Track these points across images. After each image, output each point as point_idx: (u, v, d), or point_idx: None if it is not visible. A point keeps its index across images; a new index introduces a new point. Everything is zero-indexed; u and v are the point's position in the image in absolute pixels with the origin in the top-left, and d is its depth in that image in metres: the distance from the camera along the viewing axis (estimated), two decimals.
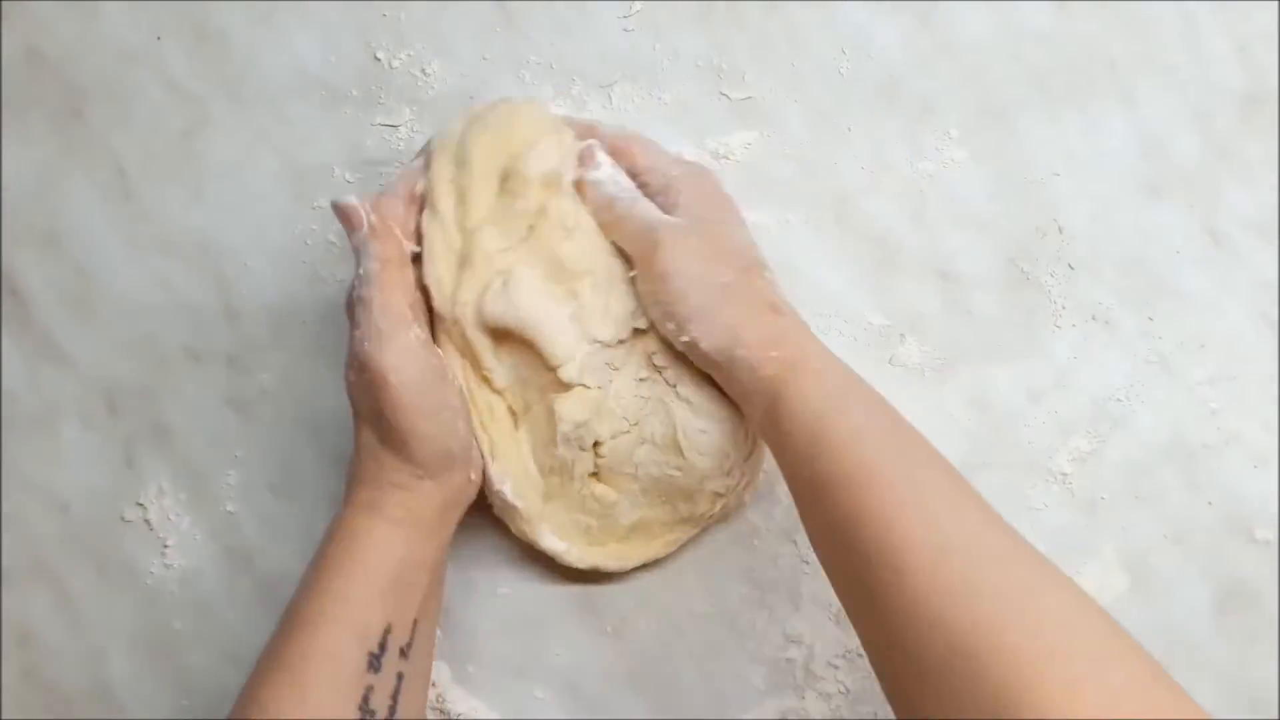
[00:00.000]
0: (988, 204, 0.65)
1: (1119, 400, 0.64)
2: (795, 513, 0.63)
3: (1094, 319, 0.65)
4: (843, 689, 0.62)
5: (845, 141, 0.66)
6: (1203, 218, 0.65)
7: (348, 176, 0.66)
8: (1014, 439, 0.64)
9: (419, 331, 0.56)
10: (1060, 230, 0.65)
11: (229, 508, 0.64)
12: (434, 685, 0.63)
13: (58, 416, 0.65)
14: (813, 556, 0.62)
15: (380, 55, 0.67)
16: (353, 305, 0.56)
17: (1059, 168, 0.65)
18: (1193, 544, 0.64)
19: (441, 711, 0.63)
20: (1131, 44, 0.66)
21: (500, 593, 0.64)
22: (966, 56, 0.66)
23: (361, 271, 0.55)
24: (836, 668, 0.62)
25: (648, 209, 0.58)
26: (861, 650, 0.62)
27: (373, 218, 0.56)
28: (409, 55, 0.66)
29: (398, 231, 0.57)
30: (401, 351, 0.54)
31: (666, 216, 0.58)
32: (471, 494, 0.58)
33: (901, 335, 0.65)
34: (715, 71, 0.66)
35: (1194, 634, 0.63)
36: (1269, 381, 0.64)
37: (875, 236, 0.65)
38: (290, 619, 0.53)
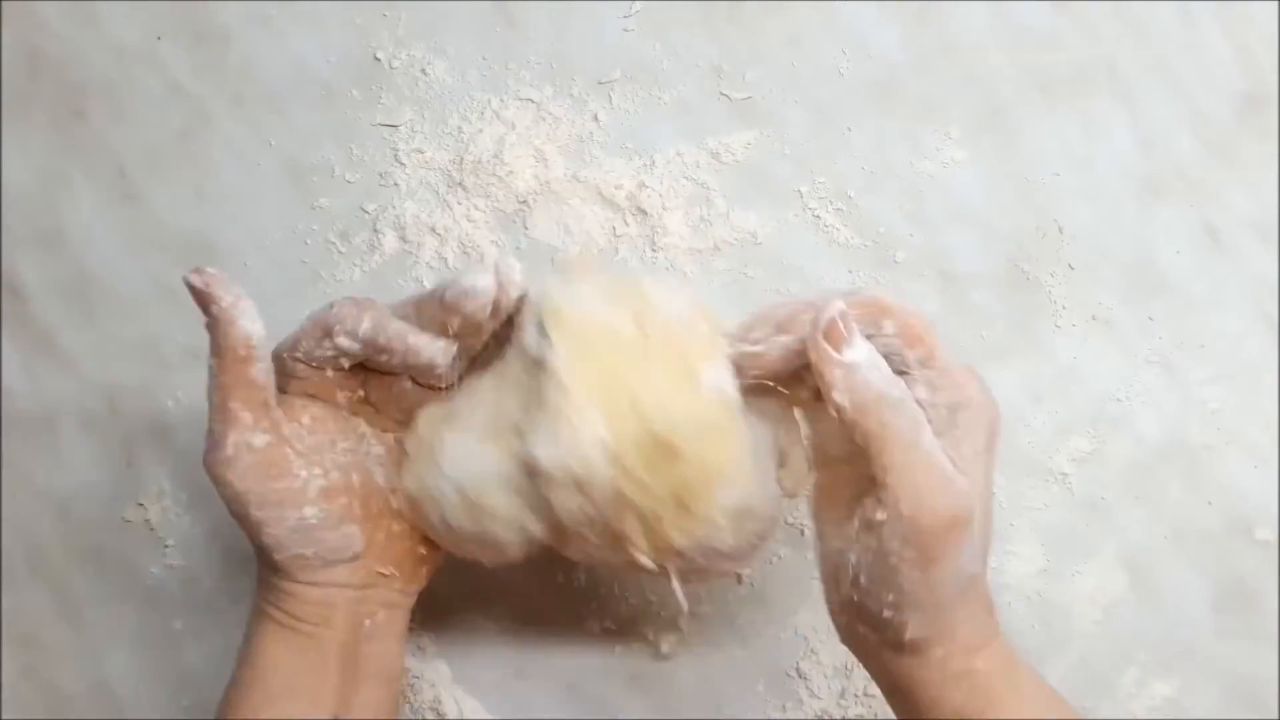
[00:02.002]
0: (988, 204, 0.65)
1: (1119, 400, 0.64)
2: (794, 515, 0.63)
3: (1094, 319, 0.65)
4: (843, 689, 0.62)
5: (845, 141, 0.66)
6: (1203, 218, 0.65)
7: (348, 176, 0.66)
8: (1014, 439, 0.64)
9: (254, 435, 0.50)
10: (1060, 230, 0.65)
11: None
12: (433, 685, 0.63)
13: (58, 416, 0.65)
14: (813, 556, 0.62)
15: (380, 55, 0.67)
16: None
17: (1059, 168, 0.65)
18: (1193, 544, 0.64)
19: (440, 712, 0.63)
20: (1131, 44, 0.66)
21: (500, 592, 0.63)
22: (966, 56, 0.66)
23: (207, 387, 0.50)
24: (836, 667, 0.63)
25: (928, 440, 0.45)
26: None
27: (225, 301, 0.50)
28: (409, 55, 0.66)
29: (246, 320, 0.50)
30: (228, 461, 0.50)
31: (957, 468, 0.45)
32: (401, 588, 0.54)
33: None
34: (715, 71, 0.66)
35: (1194, 634, 0.63)
36: (1269, 381, 0.64)
37: (875, 236, 0.65)
38: None
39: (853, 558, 0.47)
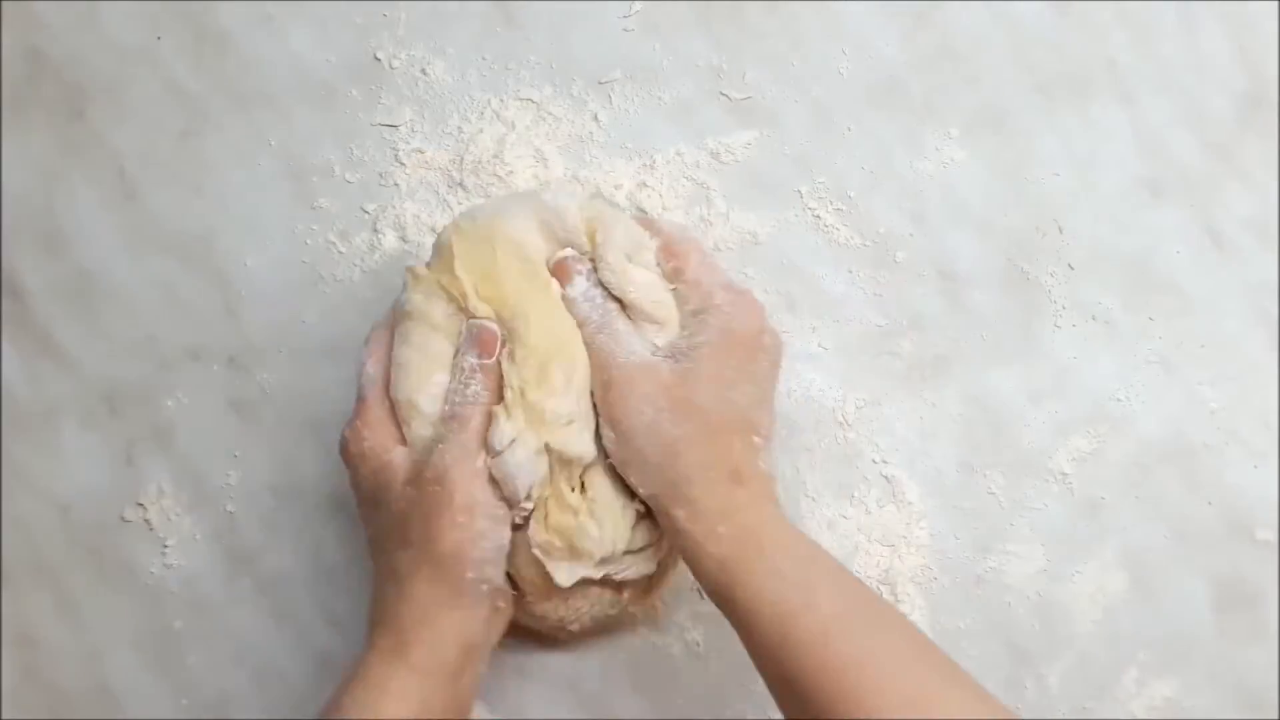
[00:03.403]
0: (988, 204, 0.65)
1: (1119, 400, 0.64)
2: (794, 522, 0.63)
3: (1094, 319, 0.65)
4: None
5: (845, 141, 0.66)
6: (1203, 218, 0.65)
7: (348, 176, 0.66)
8: (1014, 439, 0.64)
9: (487, 459, 0.55)
10: (1060, 230, 0.65)
11: (229, 508, 0.64)
12: None
13: (58, 416, 0.65)
14: None
15: (380, 55, 0.67)
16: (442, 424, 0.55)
17: (1059, 168, 0.65)
18: (1193, 544, 0.64)
19: None
20: (1131, 44, 0.66)
21: None
22: (966, 56, 0.66)
23: (469, 392, 0.55)
24: None
25: (612, 341, 0.56)
26: None
27: (503, 351, 0.56)
28: (409, 55, 0.66)
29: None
30: (479, 471, 0.54)
31: (632, 353, 0.55)
32: (498, 630, 0.57)
33: (901, 335, 0.65)
34: (715, 71, 0.66)
35: (1194, 634, 0.63)
36: (1269, 381, 0.64)
37: (875, 236, 0.65)
38: None
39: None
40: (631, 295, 0.56)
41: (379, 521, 0.56)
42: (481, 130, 0.66)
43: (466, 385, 0.55)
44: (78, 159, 0.67)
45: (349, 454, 0.57)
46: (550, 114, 0.66)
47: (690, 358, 0.55)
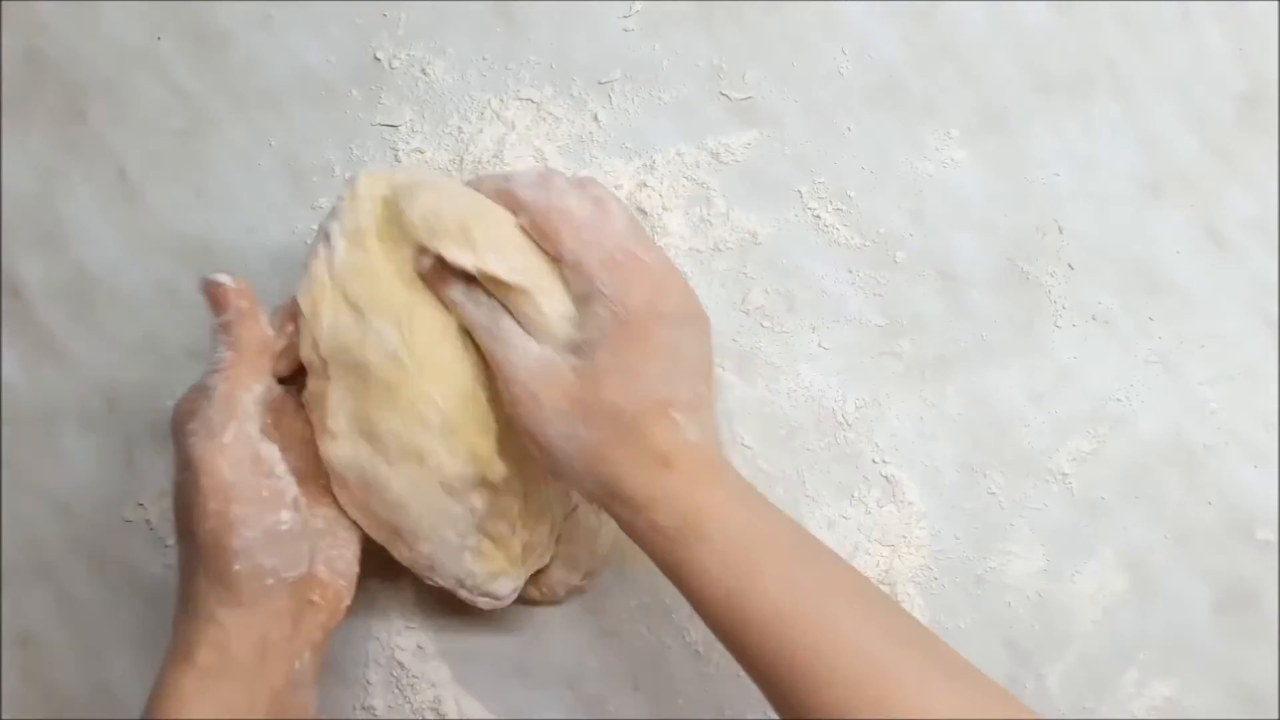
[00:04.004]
0: (988, 204, 0.65)
1: (1119, 400, 0.64)
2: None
3: (1094, 319, 0.65)
4: None
5: (845, 141, 0.66)
6: (1203, 218, 0.65)
7: (348, 176, 0.66)
8: (1014, 439, 0.64)
9: (251, 428, 0.51)
10: (1060, 230, 0.65)
11: None
12: (433, 685, 0.63)
13: (58, 416, 0.65)
14: None
15: (380, 55, 0.67)
16: (185, 407, 0.51)
17: (1059, 168, 0.65)
18: (1193, 544, 0.64)
19: (440, 712, 0.63)
20: (1131, 43, 0.66)
21: None
22: (966, 56, 0.66)
23: (214, 359, 0.51)
24: None
25: (505, 348, 0.52)
26: None
27: (243, 302, 0.52)
28: (409, 55, 0.66)
29: (264, 322, 0.53)
30: (224, 448, 0.50)
31: (530, 357, 0.52)
32: (319, 623, 0.53)
33: (901, 335, 0.65)
34: (715, 71, 0.66)
35: (1194, 634, 0.63)
36: (1269, 381, 0.64)
37: (875, 236, 0.65)
38: None
39: None
40: (505, 283, 0.52)
41: (173, 504, 0.52)
42: (481, 130, 0.66)
43: (213, 351, 0.51)
44: (78, 159, 0.67)
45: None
46: (550, 114, 0.66)
47: (586, 353, 0.51)
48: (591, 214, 0.53)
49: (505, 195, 0.54)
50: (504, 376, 0.52)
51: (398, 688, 0.63)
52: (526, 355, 0.52)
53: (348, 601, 0.55)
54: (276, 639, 0.51)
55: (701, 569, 0.50)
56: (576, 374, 0.51)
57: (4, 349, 0.66)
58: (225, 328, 0.52)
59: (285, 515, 0.51)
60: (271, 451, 0.52)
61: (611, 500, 0.52)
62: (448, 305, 0.54)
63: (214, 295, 0.52)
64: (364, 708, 0.62)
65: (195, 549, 0.50)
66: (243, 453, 0.50)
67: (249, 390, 0.52)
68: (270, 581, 0.50)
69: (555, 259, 0.53)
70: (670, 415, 0.51)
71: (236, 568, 0.49)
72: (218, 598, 0.50)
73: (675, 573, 0.51)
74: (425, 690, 0.63)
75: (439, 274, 0.54)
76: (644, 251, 0.53)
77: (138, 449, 0.65)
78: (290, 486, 0.52)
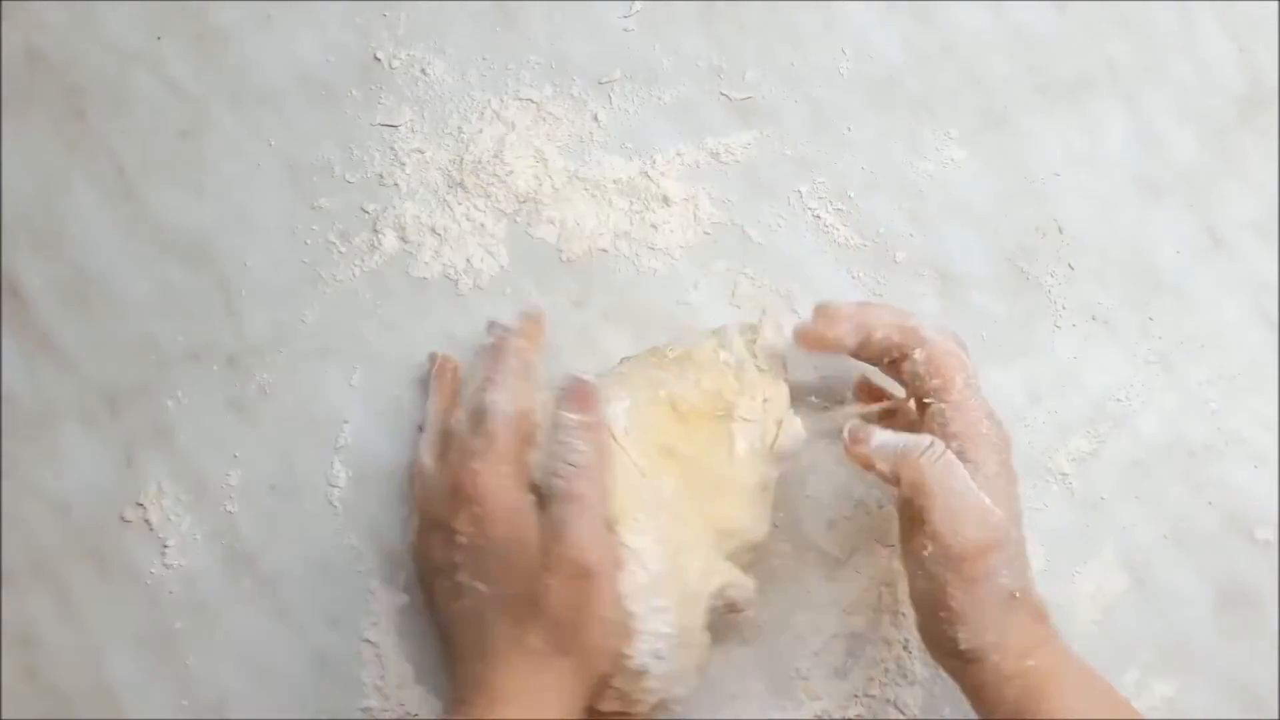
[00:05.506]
0: (988, 204, 0.65)
1: (1119, 400, 0.64)
2: (794, 522, 0.63)
3: (1094, 319, 0.65)
4: (843, 689, 0.62)
5: (845, 141, 0.66)
6: (1202, 218, 0.65)
7: (348, 176, 0.66)
8: (1014, 439, 0.64)
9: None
10: (1060, 230, 0.65)
11: (229, 508, 0.64)
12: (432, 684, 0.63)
13: (58, 416, 0.65)
14: (816, 554, 0.62)
15: (380, 55, 0.67)
16: (549, 494, 0.52)
17: (1059, 168, 0.65)
18: (1193, 544, 0.64)
19: (435, 713, 0.63)
20: (1131, 44, 0.66)
21: None
22: (966, 56, 0.66)
23: (576, 459, 0.51)
24: (836, 667, 0.62)
25: (964, 475, 0.53)
26: (861, 652, 0.62)
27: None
28: (409, 55, 0.66)
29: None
30: (607, 548, 0.52)
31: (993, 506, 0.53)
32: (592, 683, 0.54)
33: None
34: (715, 71, 0.66)
35: (1194, 634, 0.63)
36: (1269, 381, 0.64)
37: (875, 236, 0.65)
38: None
39: (919, 585, 0.54)
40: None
41: (495, 576, 0.52)
42: (481, 130, 0.66)
43: (569, 448, 0.51)
44: (78, 159, 0.67)
45: (475, 488, 0.52)
46: (550, 114, 0.66)
47: (994, 499, 0.53)
48: (973, 371, 0.57)
49: (911, 333, 0.56)
50: (985, 515, 0.53)
51: (396, 687, 0.63)
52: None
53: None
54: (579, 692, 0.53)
55: (1065, 710, 0.52)
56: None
57: (4, 349, 0.66)
58: (584, 429, 0.52)
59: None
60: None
61: (994, 650, 0.53)
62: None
63: (582, 396, 0.53)
64: (362, 709, 0.62)
65: (568, 646, 0.51)
66: (610, 546, 0.52)
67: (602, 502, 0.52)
68: (605, 652, 0.53)
69: (938, 394, 0.55)
70: (1030, 566, 0.55)
71: (603, 645, 0.52)
72: (569, 691, 0.52)
73: (1026, 707, 0.52)
74: (419, 690, 0.63)
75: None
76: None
77: (138, 449, 0.65)
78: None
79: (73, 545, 0.65)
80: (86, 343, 0.66)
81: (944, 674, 0.60)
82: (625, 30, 0.66)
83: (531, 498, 0.53)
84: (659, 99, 0.66)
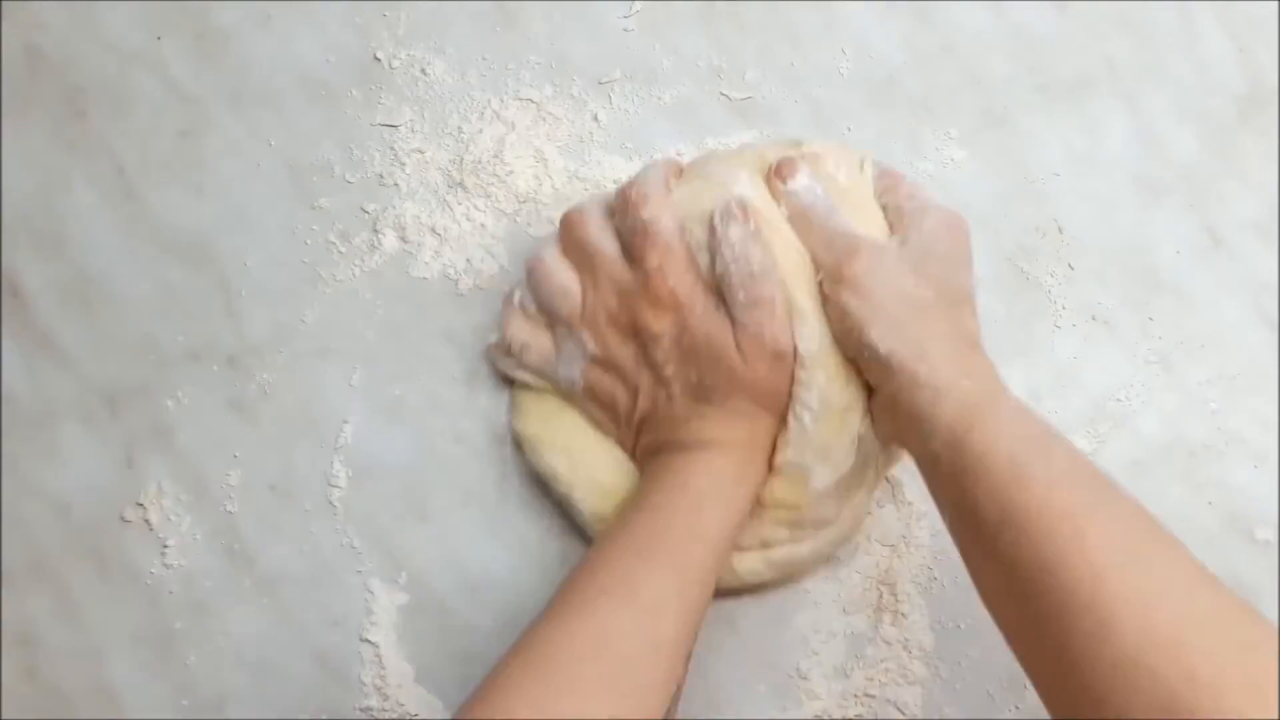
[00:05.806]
0: (988, 204, 0.65)
1: (1119, 400, 0.64)
2: None
3: (1094, 319, 0.65)
4: (843, 689, 0.62)
5: (845, 141, 0.66)
6: (1202, 218, 0.65)
7: (348, 176, 0.66)
8: None
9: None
10: (1060, 230, 0.65)
11: (229, 508, 0.64)
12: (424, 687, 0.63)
13: (58, 416, 0.65)
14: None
15: (380, 55, 0.67)
16: (735, 303, 0.57)
17: (1059, 168, 0.66)
18: (1193, 544, 0.63)
19: (434, 712, 0.63)
20: (1131, 44, 0.66)
21: (499, 591, 0.63)
22: (966, 56, 0.66)
23: (755, 269, 0.57)
24: (836, 667, 0.63)
25: (848, 223, 0.58)
26: (861, 652, 0.62)
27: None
28: (409, 55, 0.66)
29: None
30: (790, 331, 0.57)
31: (872, 234, 0.58)
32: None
33: None
34: (715, 71, 0.66)
35: None
36: (1269, 381, 0.64)
37: None
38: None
39: (835, 325, 0.58)
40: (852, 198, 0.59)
41: (704, 367, 0.58)
42: (481, 130, 0.66)
43: (746, 259, 0.57)
44: (78, 159, 0.67)
45: (673, 298, 0.58)
46: (550, 114, 0.66)
47: (915, 244, 0.57)
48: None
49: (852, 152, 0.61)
50: (846, 237, 0.57)
51: (396, 687, 0.63)
52: (864, 232, 0.58)
53: None
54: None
55: (998, 434, 0.52)
56: (907, 249, 0.57)
57: (4, 349, 0.66)
58: (755, 237, 0.57)
59: None
60: None
61: (918, 357, 0.55)
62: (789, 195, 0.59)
63: (790, 168, 0.58)
64: (362, 709, 0.62)
65: (766, 397, 0.58)
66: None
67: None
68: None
69: (889, 193, 0.59)
70: (973, 318, 0.58)
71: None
72: (769, 430, 0.59)
73: (964, 430, 0.52)
74: (419, 690, 0.63)
75: (789, 166, 0.59)
76: None
77: (138, 449, 0.65)
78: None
79: (73, 545, 0.65)
80: (86, 343, 0.66)
81: (944, 674, 0.60)
82: (625, 30, 0.66)
83: (713, 299, 0.58)
84: (659, 99, 0.66)
